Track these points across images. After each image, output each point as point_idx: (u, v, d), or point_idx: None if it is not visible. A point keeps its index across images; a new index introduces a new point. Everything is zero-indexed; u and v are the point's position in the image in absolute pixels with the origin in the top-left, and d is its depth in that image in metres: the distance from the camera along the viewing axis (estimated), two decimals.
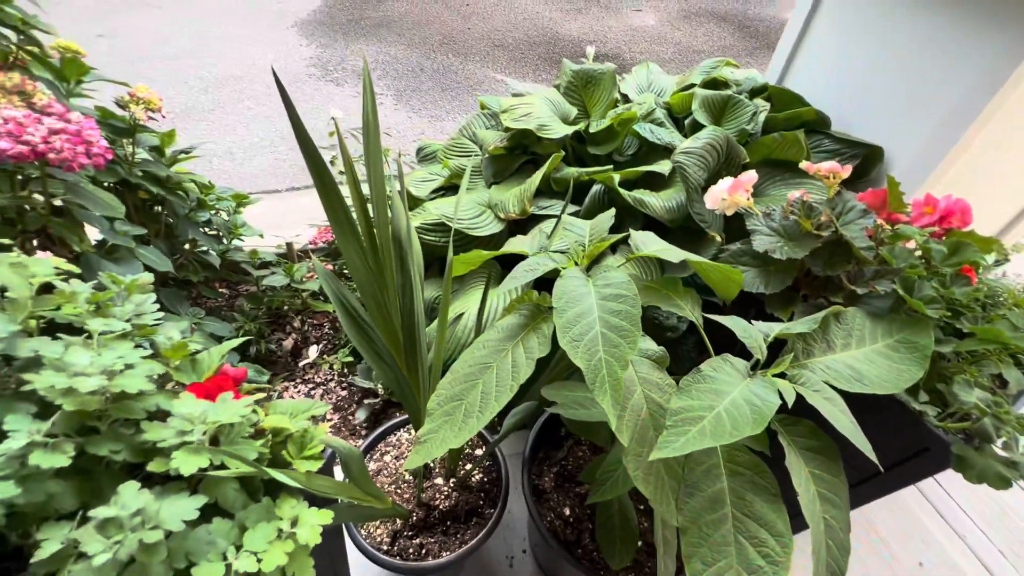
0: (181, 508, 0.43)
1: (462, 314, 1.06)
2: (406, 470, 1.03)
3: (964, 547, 1.26)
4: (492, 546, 1.20)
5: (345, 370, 1.57)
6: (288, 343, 1.69)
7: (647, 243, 0.80)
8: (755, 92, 1.38)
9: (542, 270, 0.75)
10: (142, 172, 1.19)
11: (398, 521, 0.99)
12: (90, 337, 0.53)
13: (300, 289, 1.57)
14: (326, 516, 0.53)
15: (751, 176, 0.94)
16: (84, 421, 0.47)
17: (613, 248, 1.19)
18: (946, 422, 0.77)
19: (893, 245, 0.85)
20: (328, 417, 1.45)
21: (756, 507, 0.64)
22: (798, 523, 0.63)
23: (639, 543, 0.94)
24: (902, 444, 0.82)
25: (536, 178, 1.11)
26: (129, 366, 0.50)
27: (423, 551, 0.96)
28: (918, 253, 0.88)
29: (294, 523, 0.51)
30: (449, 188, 1.43)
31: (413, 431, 1.11)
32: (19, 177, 0.87)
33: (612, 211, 0.83)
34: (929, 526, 1.29)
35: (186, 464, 0.44)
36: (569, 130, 1.24)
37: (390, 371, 0.92)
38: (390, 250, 0.85)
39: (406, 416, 1.10)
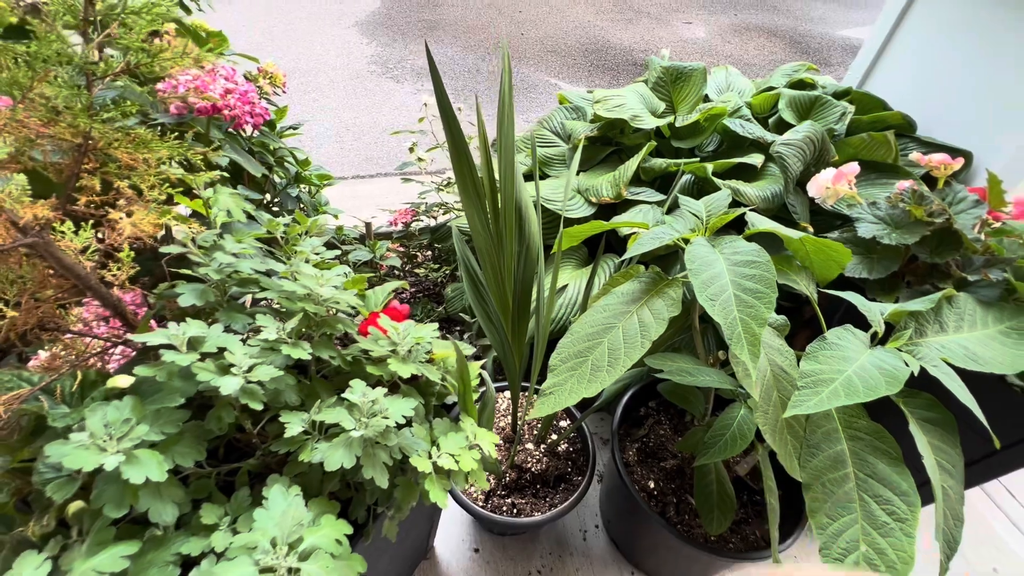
0: (400, 407, 0.49)
1: (564, 286, 1.11)
2: (531, 418, 1.08)
3: None
4: (567, 520, 1.23)
5: None
6: None
7: (760, 222, 0.84)
8: (837, 96, 1.41)
9: (667, 239, 0.79)
10: (256, 142, 1.28)
11: (491, 480, 1.03)
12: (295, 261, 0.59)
13: (378, 265, 1.64)
14: (494, 438, 0.58)
15: (853, 167, 0.97)
16: (304, 330, 0.53)
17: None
18: None
19: (1001, 237, 0.87)
20: None
21: (878, 468, 0.67)
22: (924, 493, 0.66)
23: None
24: (1008, 429, 0.83)
25: (633, 164, 1.16)
26: (338, 287, 0.55)
27: (515, 510, 1.00)
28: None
29: (472, 438, 0.56)
30: (530, 176, 1.49)
31: (507, 396, 1.15)
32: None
33: (728, 191, 0.87)
34: (1004, 536, 1.28)
35: (402, 369, 0.50)
36: (659, 122, 1.29)
37: (497, 335, 0.97)
38: (512, 218, 0.90)
39: (498, 384, 1.15)
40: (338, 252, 0.66)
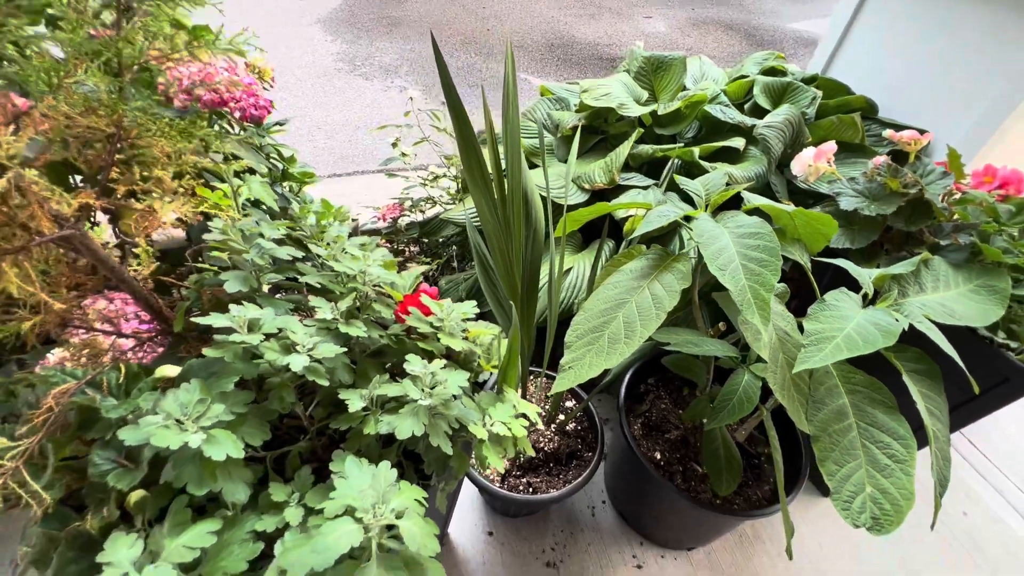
0: (456, 378, 0.51)
1: (568, 270, 1.14)
2: (552, 393, 1.09)
3: (1004, 501, 1.36)
4: (575, 498, 1.27)
5: None
6: None
7: (754, 199, 0.89)
8: (806, 82, 1.50)
9: (673, 216, 0.83)
10: (242, 140, 1.25)
11: (505, 461, 1.06)
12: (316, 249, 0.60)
13: None
14: (536, 408, 0.61)
15: (831, 146, 1.04)
16: (354, 311, 0.54)
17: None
18: (1021, 356, 0.88)
19: (965, 205, 0.96)
20: None
21: (877, 417, 0.73)
22: (919, 436, 0.73)
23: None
24: (981, 377, 0.92)
25: (624, 150, 1.20)
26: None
27: (531, 489, 1.03)
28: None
29: (518, 408, 0.58)
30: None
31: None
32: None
33: (723, 171, 0.92)
34: (971, 483, 1.40)
35: (453, 343, 0.52)
36: (644, 110, 1.34)
37: (507, 318, 0.99)
38: (519, 204, 0.92)
39: None
40: (363, 240, 0.67)
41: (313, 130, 2.79)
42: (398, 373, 0.56)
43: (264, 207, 0.67)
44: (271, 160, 1.41)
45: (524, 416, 0.57)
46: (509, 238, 0.95)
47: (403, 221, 1.82)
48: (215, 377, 0.47)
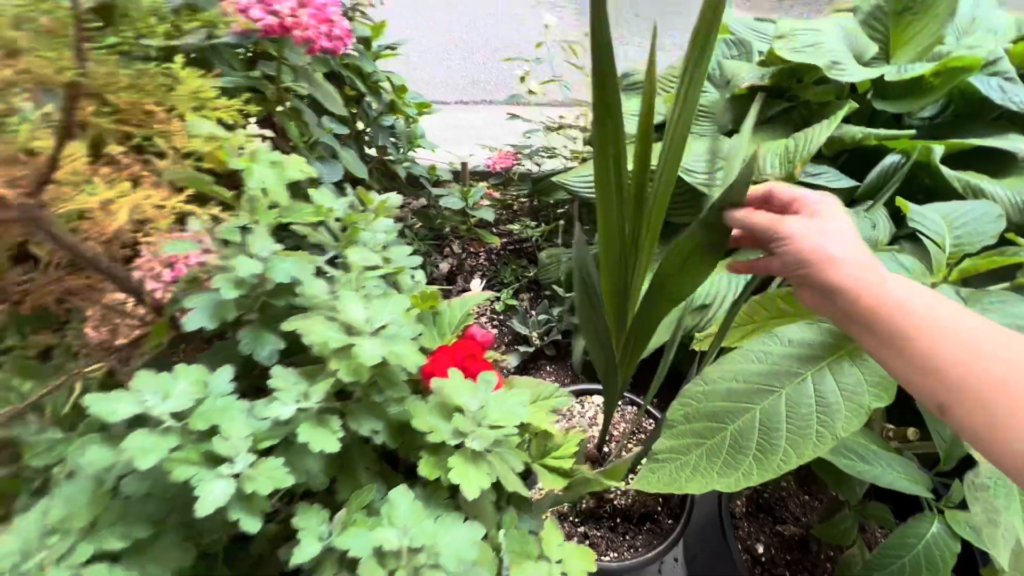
0: (460, 539, 0.32)
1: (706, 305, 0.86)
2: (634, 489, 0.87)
3: None
4: None
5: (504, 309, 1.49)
6: (444, 267, 1.64)
7: None
8: None
9: None
10: (349, 64, 1.11)
11: (565, 504, 0.89)
12: (346, 269, 0.43)
13: (470, 214, 1.47)
14: (591, 554, 0.41)
15: None
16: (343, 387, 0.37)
17: None
18: None
19: None
20: None
21: None
22: None
23: None
24: None
25: (821, 133, 0.84)
26: (396, 323, 0.38)
27: (587, 542, 0.86)
28: None
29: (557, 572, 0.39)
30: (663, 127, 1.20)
31: (597, 403, 0.99)
32: (248, 56, 0.81)
33: (996, 206, 0.56)
34: None
35: (467, 481, 0.33)
36: (866, 74, 0.93)
37: (604, 356, 0.77)
38: (660, 219, 0.65)
39: (598, 386, 0.98)
40: (408, 250, 0.48)
41: (449, 48, 2.60)
42: (412, 461, 0.40)
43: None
44: (381, 90, 1.27)
45: None
46: (634, 266, 0.69)
47: (518, 170, 1.61)
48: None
